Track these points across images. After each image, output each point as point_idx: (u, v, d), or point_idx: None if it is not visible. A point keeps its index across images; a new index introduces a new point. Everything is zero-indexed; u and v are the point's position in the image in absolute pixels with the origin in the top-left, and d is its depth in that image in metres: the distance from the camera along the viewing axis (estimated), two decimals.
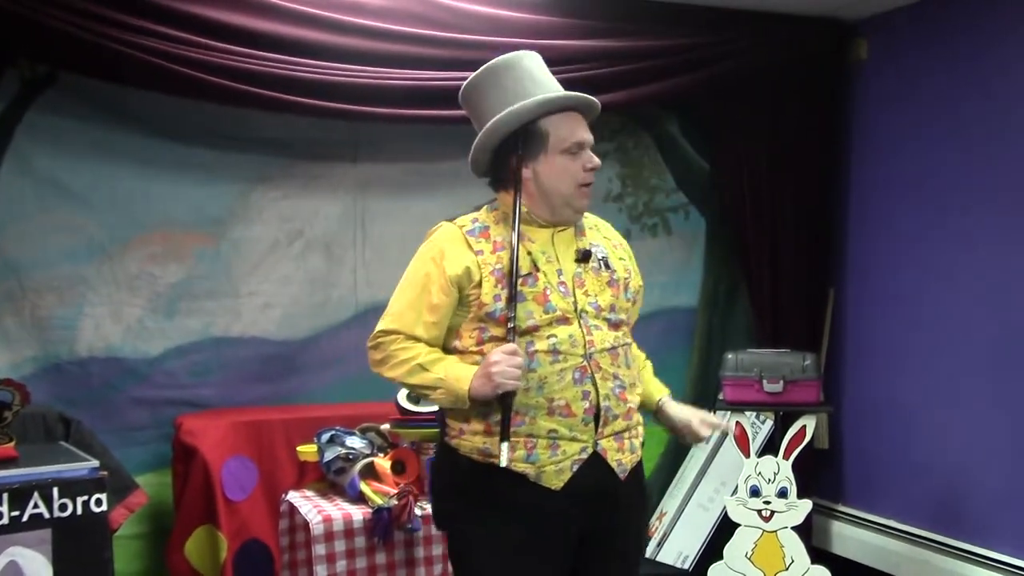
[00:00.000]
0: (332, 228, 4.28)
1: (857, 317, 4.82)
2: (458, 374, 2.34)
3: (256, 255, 4.15)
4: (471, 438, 2.40)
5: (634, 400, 2.47)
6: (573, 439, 2.35)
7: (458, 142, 4.29)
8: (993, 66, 4.11)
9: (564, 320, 2.37)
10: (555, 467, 2.35)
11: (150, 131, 3.93)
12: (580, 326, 2.38)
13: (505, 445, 2.28)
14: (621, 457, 2.42)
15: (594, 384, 2.37)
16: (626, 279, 2.52)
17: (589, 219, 2.60)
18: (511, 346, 2.28)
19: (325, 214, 4.26)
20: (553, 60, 4.12)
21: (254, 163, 4.12)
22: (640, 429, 2.52)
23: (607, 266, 2.49)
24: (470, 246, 2.41)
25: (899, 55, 4.57)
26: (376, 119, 4.02)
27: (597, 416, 2.37)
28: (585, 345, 2.37)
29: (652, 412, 2.63)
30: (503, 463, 2.28)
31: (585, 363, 2.37)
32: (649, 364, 2.71)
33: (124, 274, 3.92)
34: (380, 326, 2.48)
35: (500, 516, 2.39)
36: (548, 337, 2.35)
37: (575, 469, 2.36)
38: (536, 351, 2.35)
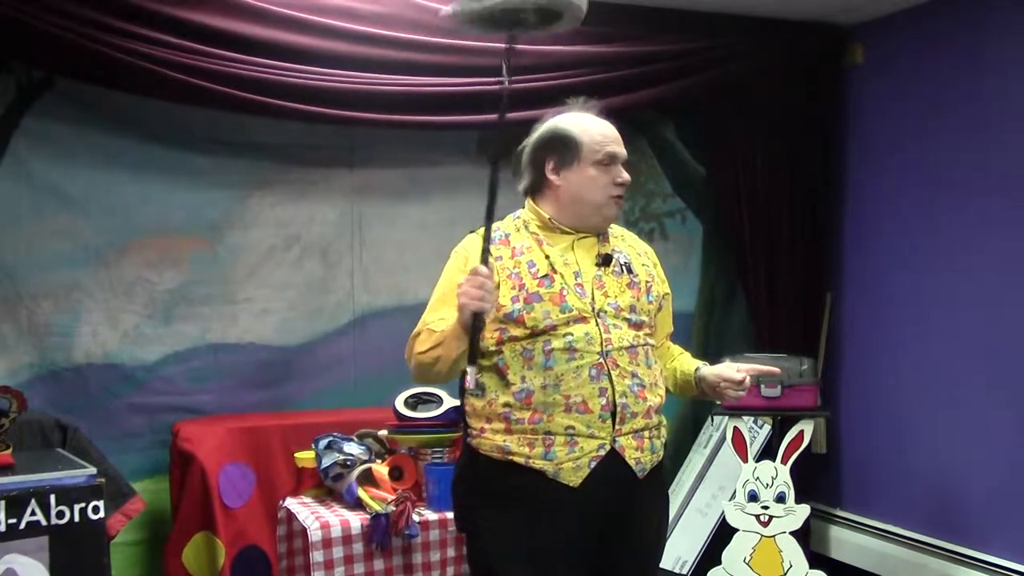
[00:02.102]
0: (329, 233, 4.28)
1: (854, 322, 4.82)
2: (452, 316, 2.38)
3: (253, 261, 4.14)
4: (492, 437, 2.44)
5: (654, 400, 2.49)
6: (591, 436, 2.39)
7: (454, 147, 4.36)
8: (989, 70, 4.11)
9: (581, 319, 2.43)
10: (573, 464, 2.38)
11: (147, 136, 3.93)
12: (597, 324, 2.44)
13: (472, 368, 2.31)
14: (640, 456, 2.45)
15: (611, 381, 2.40)
16: (648, 283, 2.58)
17: (615, 229, 2.67)
18: (477, 267, 2.32)
19: (322, 219, 4.26)
20: (548, 66, 4.22)
21: (251, 168, 4.11)
22: (663, 430, 2.55)
23: (629, 270, 2.56)
24: (491, 252, 2.47)
25: (895, 60, 4.57)
26: (372, 125, 4.02)
27: (614, 413, 2.40)
28: (602, 343, 2.42)
29: (695, 385, 2.66)
30: (470, 386, 2.34)
31: (602, 360, 2.41)
32: (687, 354, 2.78)
33: (121, 280, 3.91)
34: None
35: (519, 514, 2.42)
36: (564, 336, 2.41)
37: (592, 466, 2.39)
38: (553, 349, 2.40)
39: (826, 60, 4.80)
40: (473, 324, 2.30)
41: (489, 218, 2.38)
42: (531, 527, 2.40)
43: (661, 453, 2.54)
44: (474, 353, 2.31)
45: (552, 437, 2.38)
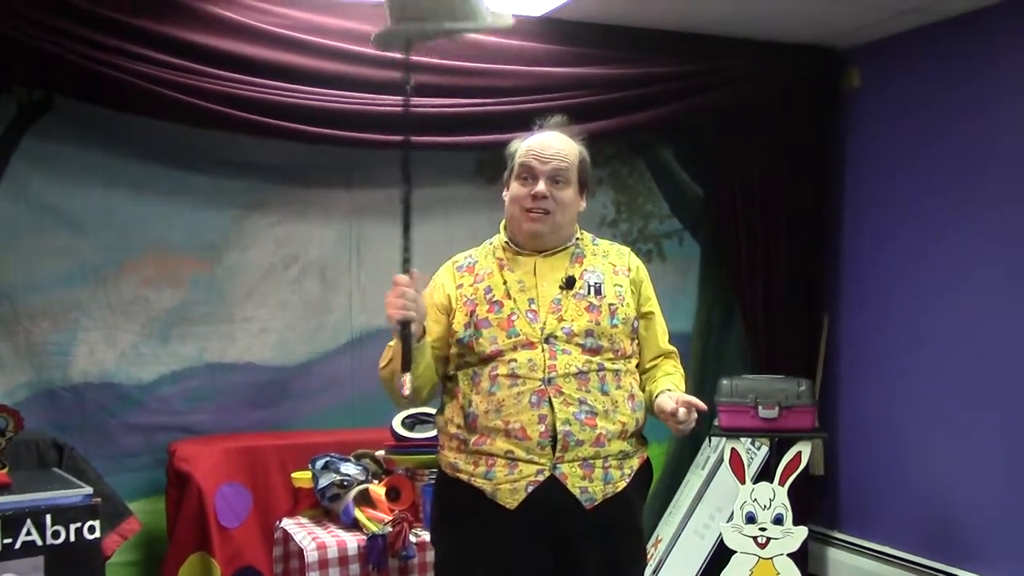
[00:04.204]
0: (327, 253, 4.28)
1: (852, 343, 4.82)
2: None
3: (251, 280, 4.15)
4: (447, 454, 2.52)
5: (609, 427, 2.43)
6: (530, 461, 2.38)
7: (452, 168, 4.37)
8: (984, 92, 4.14)
9: (527, 345, 2.43)
10: (510, 486, 2.38)
11: (146, 156, 3.93)
12: (543, 351, 2.43)
13: (406, 376, 2.32)
14: (588, 485, 2.40)
15: (551, 408, 2.38)
16: (613, 305, 2.52)
17: (602, 245, 2.66)
18: (396, 277, 2.36)
19: (320, 239, 4.27)
20: (547, 87, 4.24)
21: (249, 188, 4.12)
22: (631, 461, 2.49)
23: (597, 292, 2.51)
24: (454, 279, 2.59)
25: (891, 83, 4.60)
26: (371, 145, 4.03)
27: (555, 440, 2.38)
28: (545, 369, 2.41)
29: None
30: (405, 392, 2.33)
31: (544, 387, 2.40)
32: (674, 375, 2.62)
33: (118, 299, 3.91)
34: None
35: (463, 530, 2.47)
36: (509, 362, 2.42)
37: (529, 490, 2.38)
38: (498, 375, 2.42)
39: (823, 83, 4.82)
40: (403, 332, 2.33)
41: (406, 230, 2.39)
42: (471, 543, 2.44)
43: (620, 484, 2.46)
44: (407, 360, 2.34)
45: (494, 458, 2.40)
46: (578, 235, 2.64)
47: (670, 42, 4.50)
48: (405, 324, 2.33)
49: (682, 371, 2.70)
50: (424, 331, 2.41)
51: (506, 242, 2.60)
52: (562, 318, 2.46)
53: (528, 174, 2.52)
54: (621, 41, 4.42)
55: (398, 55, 2.46)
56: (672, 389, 2.51)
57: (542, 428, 2.37)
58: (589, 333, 2.46)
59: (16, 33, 3.42)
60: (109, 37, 3.56)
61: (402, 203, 2.39)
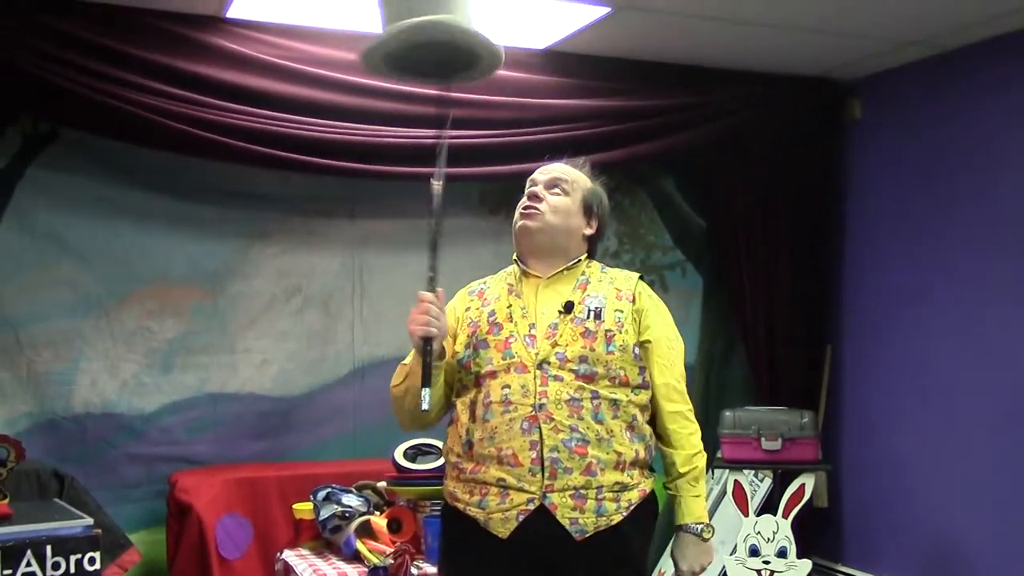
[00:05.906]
0: (330, 284, 4.29)
1: (855, 374, 4.81)
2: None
3: (254, 311, 4.15)
4: (448, 482, 2.52)
5: (602, 456, 2.38)
6: (520, 489, 2.36)
7: (455, 200, 4.35)
8: (984, 124, 4.16)
9: (521, 368, 2.41)
10: (502, 515, 2.36)
11: (150, 187, 3.96)
12: (535, 376, 2.40)
13: (426, 391, 2.33)
14: (579, 516, 2.36)
15: (541, 435, 2.36)
16: (610, 332, 2.46)
17: (610, 272, 2.62)
18: (421, 294, 2.36)
19: (323, 270, 4.28)
20: (549, 119, 4.26)
21: (253, 219, 4.14)
22: (626, 495, 2.41)
23: (597, 317, 2.48)
24: (464, 303, 2.60)
25: (892, 114, 4.62)
26: (373, 176, 4.05)
27: (544, 467, 2.35)
28: (536, 395, 2.39)
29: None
30: (424, 406, 2.33)
31: (535, 413, 2.37)
32: (687, 472, 2.51)
33: (121, 329, 3.92)
34: None
35: (460, 558, 2.48)
36: (502, 387, 2.41)
37: (520, 519, 2.35)
38: (491, 402, 2.41)
39: (824, 115, 4.84)
40: (425, 349, 2.33)
41: (434, 248, 2.41)
42: (468, 574, 2.44)
43: (615, 517, 2.39)
44: (427, 376, 2.34)
45: (487, 487, 2.39)
46: (584, 259, 2.61)
47: (672, 74, 4.52)
48: (427, 340, 2.34)
49: (691, 449, 2.55)
50: (443, 351, 2.42)
51: (515, 260, 2.61)
52: (556, 343, 2.43)
53: (531, 185, 2.60)
54: (623, 73, 4.44)
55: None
56: (685, 525, 2.50)
57: (533, 455, 2.35)
58: (583, 359, 2.42)
59: (22, 64, 3.44)
60: (114, 68, 3.58)
61: (432, 223, 2.43)
